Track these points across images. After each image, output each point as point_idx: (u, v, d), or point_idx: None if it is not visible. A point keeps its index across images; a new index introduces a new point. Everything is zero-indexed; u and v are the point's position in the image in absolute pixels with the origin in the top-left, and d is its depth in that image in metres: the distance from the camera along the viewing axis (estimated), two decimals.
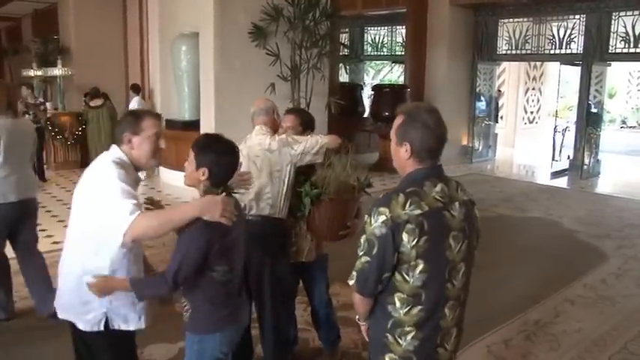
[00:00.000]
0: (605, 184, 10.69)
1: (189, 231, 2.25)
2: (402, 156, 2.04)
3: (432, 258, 1.95)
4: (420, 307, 1.97)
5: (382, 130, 11.37)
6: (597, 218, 7.85)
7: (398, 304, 1.98)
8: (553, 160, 11.77)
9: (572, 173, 11.13)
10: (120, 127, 2.49)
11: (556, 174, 11.23)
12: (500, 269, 5.54)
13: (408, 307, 1.98)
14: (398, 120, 2.05)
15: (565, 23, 11.63)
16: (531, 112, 15.29)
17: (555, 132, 12.06)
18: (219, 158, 2.33)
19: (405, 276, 1.95)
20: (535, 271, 5.65)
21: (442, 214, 1.98)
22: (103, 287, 2.32)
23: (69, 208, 2.58)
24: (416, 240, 1.91)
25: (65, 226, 6.60)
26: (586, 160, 10.92)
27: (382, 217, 1.91)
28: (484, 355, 3.94)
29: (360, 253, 1.97)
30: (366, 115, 12.81)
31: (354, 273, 1.99)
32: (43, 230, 6.68)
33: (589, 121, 10.95)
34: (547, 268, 5.77)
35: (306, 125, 3.42)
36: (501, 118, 14.48)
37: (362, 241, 1.97)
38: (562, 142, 12.11)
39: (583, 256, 6.19)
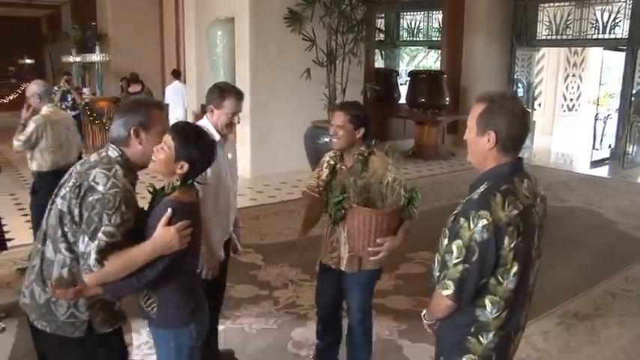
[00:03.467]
0: None
1: (161, 213, 2.08)
2: (484, 146, 1.91)
3: (523, 258, 1.89)
4: (508, 309, 1.93)
5: (418, 116, 11.27)
6: None
7: (489, 307, 1.91)
8: (593, 148, 11.47)
9: (613, 162, 10.83)
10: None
11: (596, 163, 10.94)
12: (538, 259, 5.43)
13: (499, 312, 1.92)
14: (479, 108, 1.92)
15: (610, 7, 11.26)
16: (571, 100, 14.92)
17: (596, 120, 11.74)
18: (202, 156, 2.17)
19: (500, 278, 1.87)
20: (575, 262, 5.51)
21: (531, 212, 1.92)
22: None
23: None
24: (514, 242, 1.83)
25: None
26: (628, 149, 10.61)
27: (483, 222, 1.79)
28: (522, 346, 3.81)
29: (456, 261, 1.84)
30: (401, 101, 12.70)
31: (449, 282, 1.86)
32: None
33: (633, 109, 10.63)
34: (587, 259, 5.64)
35: (357, 122, 2.92)
36: (539, 105, 14.16)
37: (456, 247, 1.84)
38: (603, 131, 11.78)
39: (625, 248, 6.03)
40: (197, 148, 2.13)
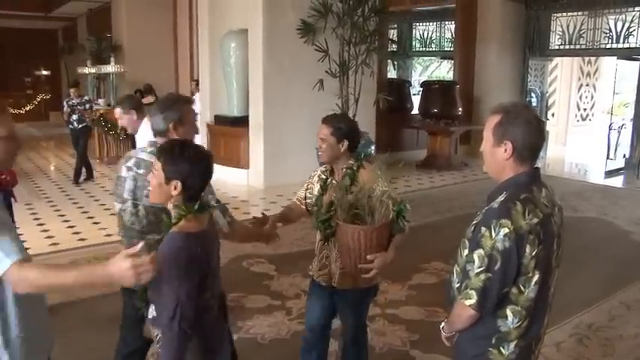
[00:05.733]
0: None
1: (169, 253, 1.95)
2: (501, 157, 1.94)
3: (544, 267, 1.90)
4: (529, 318, 1.93)
5: (431, 126, 11.27)
6: None
7: (510, 317, 1.91)
8: (608, 158, 11.38)
9: (628, 172, 10.73)
10: None
11: (610, 173, 10.86)
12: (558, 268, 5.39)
13: (520, 321, 1.92)
14: (494, 119, 1.95)
15: (623, 16, 11.20)
16: (584, 109, 14.84)
17: (610, 129, 11.66)
18: (192, 167, 1.99)
19: (521, 287, 1.88)
20: (589, 272, 5.47)
21: (551, 221, 1.93)
22: None
23: None
24: (535, 250, 1.84)
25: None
26: None
27: (505, 230, 1.80)
28: None
29: (478, 270, 1.84)
30: (413, 111, 12.71)
31: (472, 292, 1.86)
32: (97, 223, 6.89)
33: None
34: (601, 270, 5.59)
35: (340, 135, 2.83)
36: (553, 115, 14.11)
37: (478, 256, 1.85)
38: (617, 140, 11.70)
39: None
40: (184, 161, 1.98)
